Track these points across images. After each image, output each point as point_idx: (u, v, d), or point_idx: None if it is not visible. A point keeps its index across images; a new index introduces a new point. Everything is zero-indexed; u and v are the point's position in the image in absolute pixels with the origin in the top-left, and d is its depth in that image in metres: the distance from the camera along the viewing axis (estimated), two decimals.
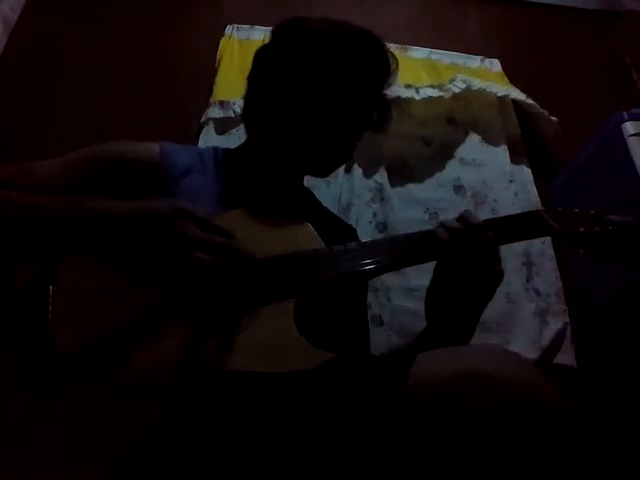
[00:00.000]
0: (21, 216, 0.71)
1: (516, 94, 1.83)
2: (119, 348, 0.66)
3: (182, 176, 0.88)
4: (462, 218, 0.79)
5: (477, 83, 1.79)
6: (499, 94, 1.81)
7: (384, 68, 0.92)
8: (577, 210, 0.86)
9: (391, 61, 0.93)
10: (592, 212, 0.86)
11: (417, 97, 1.72)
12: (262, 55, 0.95)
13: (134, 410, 0.63)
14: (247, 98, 0.98)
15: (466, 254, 0.76)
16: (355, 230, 1.07)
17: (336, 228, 1.01)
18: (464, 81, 1.77)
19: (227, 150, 1.00)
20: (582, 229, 0.83)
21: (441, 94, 1.75)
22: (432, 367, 0.61)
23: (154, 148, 0.90)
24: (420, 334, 0.86)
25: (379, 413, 0.60)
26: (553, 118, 1.80)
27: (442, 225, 0.79)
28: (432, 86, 1.76)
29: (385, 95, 0.95)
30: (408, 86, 1.73)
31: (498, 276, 0.79)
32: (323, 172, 0.98)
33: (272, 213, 0.82)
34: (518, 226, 0.84)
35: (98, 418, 0.62)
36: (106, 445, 0.61)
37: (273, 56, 0.93)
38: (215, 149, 0.98)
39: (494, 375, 0.58)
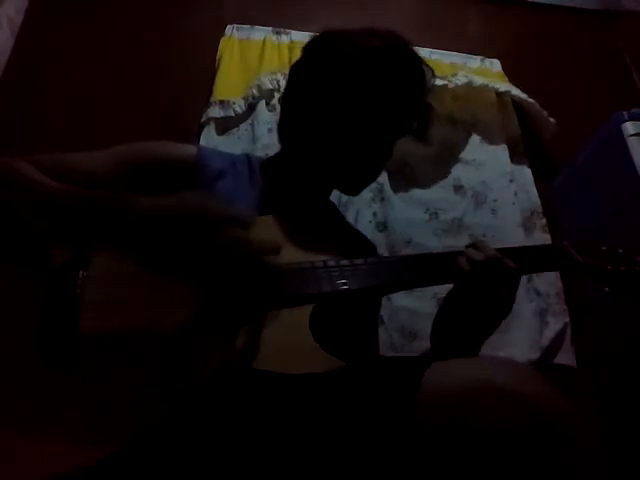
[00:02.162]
0: (53, 201, 0.70)
1: (517, 92, 1.83)
2: (144, 335, 0.67)
3: (216, 179, 0.89)
4: (482, 248, 0.78)
5: (478, 80, 1.79)
6: (500, 90, 1.82)
7: (419, 78, 0.91)
8: (604, 247, 0.84)
9: (426, 69, 0.92)
10: (620, 251, 0.83)
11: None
12: (296, 71, 0.95)
13: (147, 396, 0.64)
14: (282, 112, 0.98)
15: (484, 286, 0.76)
16: (375, 246, 1.06)
17: (357, 242, 1.02)
18: (466, 77, 1.78)
19: (259, 158, 1.01)
20: (609, 267, 0.81)
21: (445, 83, 1.75)
22: (445, 377, 0.61)
23: (191, 150, 0.91)
24: (424, 356, 0.86)
25: (389, 422, 0.60)
26: (551, 119, 1.81)
27: (465, 254, 0.78)
28: (435, 76, 1.75)
29: (425, 102, 0.94)
30: None
31: (509, 307, 0.79)
32: (354, 190, 0.96)
33: (297, 223, 0.82)
34: (542, 258, 0.83)
35: (112, 399, 0.64)
36: (117, 426, 0.62)
37: (307, 72, 0.92)
38: (248, 156, 0.99)
39: (507, 388, 0.58)
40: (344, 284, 0.75)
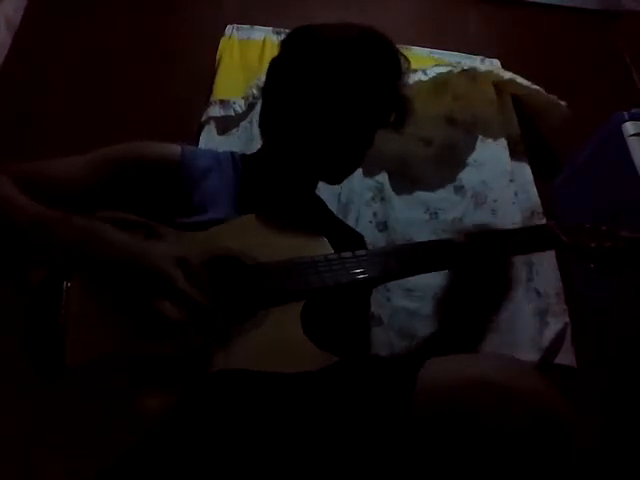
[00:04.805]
0: (30, 227, 0.71)
1: (521, 79, 1.82)
2: (129, 343, 0.67)
3: (201, 178, 0.89)
4: (475, 227, 0.83)
5: (483, 67, 1.80)
6: (505, 77, 1.81)
7: (395, 67, 0.92)
8: (588, 225, 0.86)
9: (402, 60, 0.93)
10: (604, 228, 0.86)
11: (425, 78, 1.70)
12: (275, 66, 0.96)
13: (137, 403, 0.63)
14: (263, 107, 0.99)
15: (480, 257, 0.79)
16: (363, 237, 1.07)
17: (345, 235, 1.02)
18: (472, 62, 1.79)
19: (244, 155, 1.01)
20: (593, 244, 0.83)
21: (450, 69, 1.73)
22: (441, 373, 0.61)
23: (176, 150, 0.91)
24: (428, 337, 0.87)
25: (386, 417, 0.60)
26: (562, 102, 1.78)
27: (457, 231, 0.82)
28: (439, 65, 1.75)
29: (402, 93, 0.95)
30: (414, 70, 1.68)
31: (508, 282, 0.81)
32: (336, 179, 0.98)
33: (285, 219, 0.83)
34: (529, 238, 0.85)
35: (101, 408, 0.63)
36: (107, 436, 0.62)
37: (285, 66, 0.94)
38: (232, 154, 0.99)
39: (502, 384, 0.58)
40: (350, 276, 0.75)
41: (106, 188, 0.84)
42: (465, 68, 1.75)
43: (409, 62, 0.95)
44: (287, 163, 0.95)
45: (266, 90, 0.98)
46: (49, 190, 0.79)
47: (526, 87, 1.82)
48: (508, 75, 1.82)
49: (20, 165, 0.82)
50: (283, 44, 0.95)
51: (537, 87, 1.82)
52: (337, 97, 0.88)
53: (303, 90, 0.89)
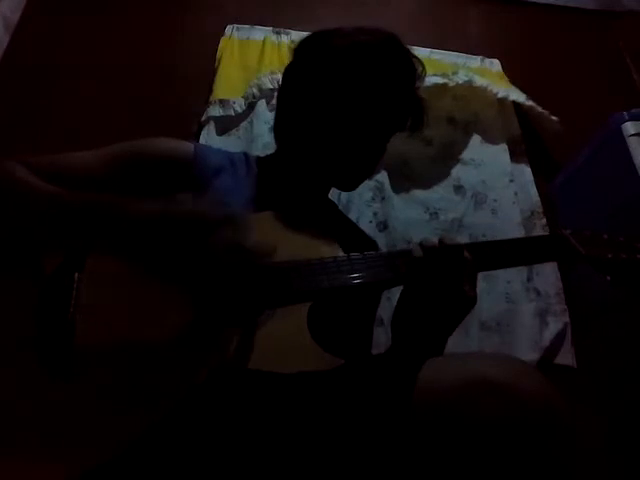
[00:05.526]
0: (46, 205, 0.70)
1: (516, 95, 1.83)
2: (139, 339, 0.67)
3: (213, 177, 0.88)
4: (443, 238, 0.76)
5: (479, 80, 1.79)
6: (499, 94, 1.81)
7: (410, 71, 0.91)
8: (606, 236, 0.83)
9: (416, 64, 0.92)
10: (621, 239, 0.83)
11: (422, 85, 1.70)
12: (289, 73, 0.95)
13: (143, 401, 0.63)
14: (277, 113, 0.98)
15: (438, 273, 0.74)
16: (376, 243, 1.06)
17: (358, 241, 1.02)
18: (466, 75, 1.78)
19: (259, 157, 1.00)
20: (610, 255, 0.80)
21: (446, 81, 1.73)
22: (441, 373, 0.62)
23: (189, 147, 0.91)
24: (385, 352, 0.84)
25: (387, 418, 0.60)
26: (554, 118, 1.80)
27: (419, 244, 0.76)
28: (436, 74, 1.75)
29: (418, 96, 0.94)
30: None
31: (470, 301, 0.75)
32: (350, 186, 0.97)
33: (297, 221, 0.82)
34: (542, 248, 0.82)
35: (107, 405, 0.63)
36: (111, 433, 0.61)
37: (299, 73, 0.93)
38: (246, 154, 0.99)
39: (502, 382, 0.58)
40: (356, 278, 0.74)
41: (119, 183, 0.84)
42: (460, 82, 1.75)
43: (423, 65, 0.93)
44: (301, 168, 0.94)
45: (281, 97, 0.97)
46: (64, 181, 0.79)
47: (520, 104, 1.83)
48: (502, 93, 1.81)
49: (33, 158, 0.82)
50: (297, 51, 0.94)
51: (531, 103, 1.82)
52: (353, 104, 0.87)
53: (318, 98, 0.88)
